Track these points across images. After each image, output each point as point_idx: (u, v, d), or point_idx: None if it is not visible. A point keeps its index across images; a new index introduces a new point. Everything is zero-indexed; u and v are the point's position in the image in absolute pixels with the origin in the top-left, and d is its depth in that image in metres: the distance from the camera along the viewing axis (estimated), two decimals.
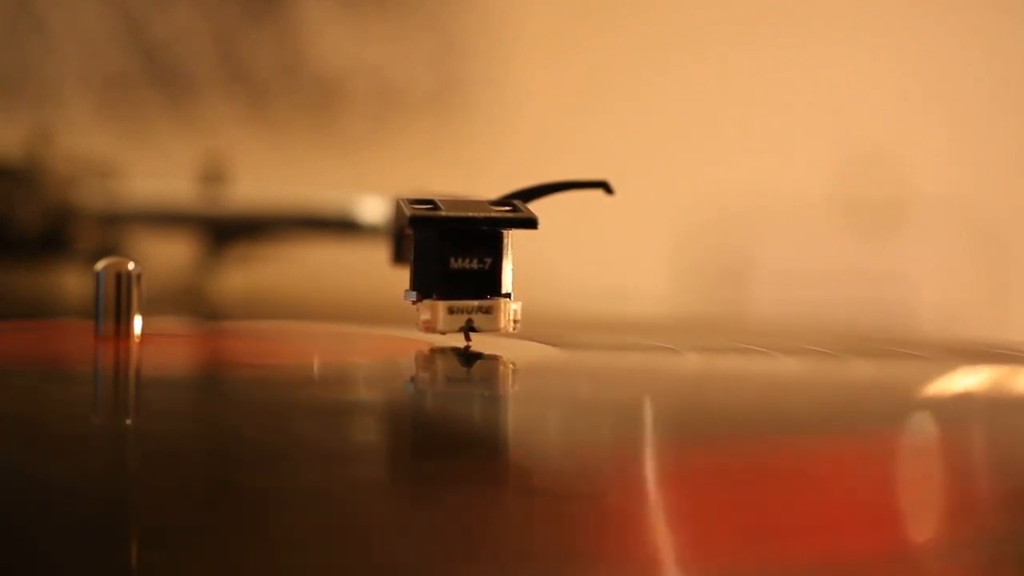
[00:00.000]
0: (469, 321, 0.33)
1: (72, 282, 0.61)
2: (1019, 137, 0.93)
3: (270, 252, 0.63)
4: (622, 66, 0.95)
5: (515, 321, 0.33)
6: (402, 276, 0.34)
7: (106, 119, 0.96)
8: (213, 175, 0.63)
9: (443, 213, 0.32)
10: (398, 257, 0.40)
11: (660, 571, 0.18)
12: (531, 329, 0.34)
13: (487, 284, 0.33)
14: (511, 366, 0.34)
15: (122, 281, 0.34)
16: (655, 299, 0.87)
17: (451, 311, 0.32)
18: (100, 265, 0.34)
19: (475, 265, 0.33)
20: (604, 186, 0.35)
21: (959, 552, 0.19)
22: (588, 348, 0.39)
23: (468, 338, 0.33)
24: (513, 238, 0.33)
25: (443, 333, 0.33)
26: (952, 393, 0.33)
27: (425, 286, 0.33)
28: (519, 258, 0.33)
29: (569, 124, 0.94)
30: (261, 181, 0.64)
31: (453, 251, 0.32)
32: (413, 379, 0.34)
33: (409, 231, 0.33)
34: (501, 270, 0.33)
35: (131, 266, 0.34)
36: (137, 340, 0.34)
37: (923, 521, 0.21)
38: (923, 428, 0.28)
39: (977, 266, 0.91)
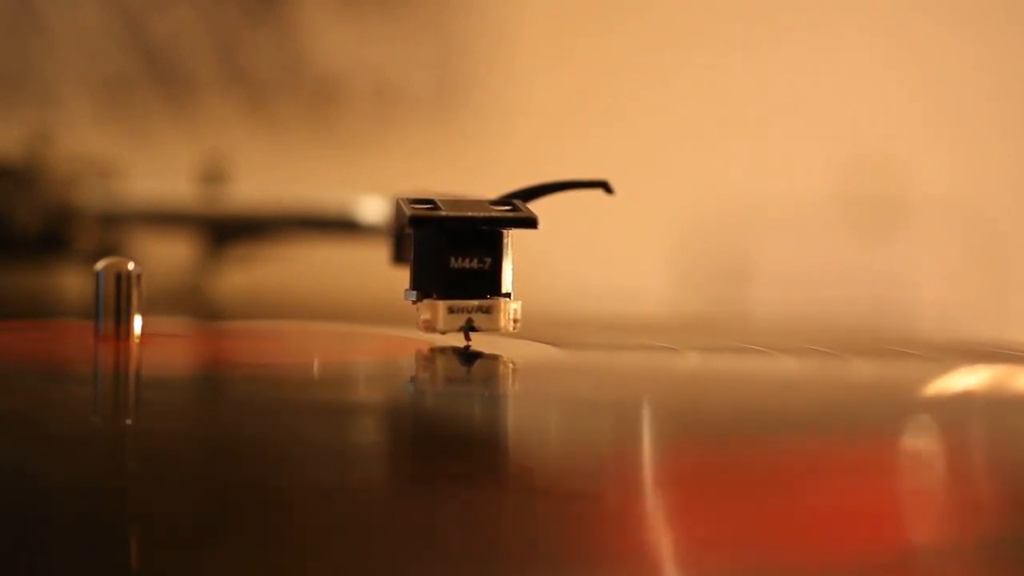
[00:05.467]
0: (469, 320, 0.33)
1: (72, 282, 0.61)
2: (1019, 137, 0.93)
3: (270, 252, 0.63)
4: (622, 67, 0.95)
5: (515, 321, 0.33)
6: (402, 276, 0.34)
7: (106, 119, 0.96)
8: (213, 175, 0.63)
9: (443, 213, 0.32)
10: (398, 257, 0.40)
11: (660, 571, 0.18)
12: (531, 329, 0.34)
13: (487, 284, 0.33)
14: (511, 366, 0.34)
15: (122, 281, 0.34)
16: (655, 299, 0.87)
17: (451, 310, 0.32)
18: (100, 265, 0.34)
19: (475, 265, 0.33)
20: (604, 186, 0.34)
21: (959, 552, 0.19)
22: (588, 348, 0.39)
23: (468, 338, 0.33)
24: (513, 238, 0.33)
25: (443, 333, 0.33)
26: (952, 393, 0.33)
27: (425, 286, 0.33)
28: (519, 258, 0.33)
29: (569, 124, 0.94)
30: (261, 181, 0.64)
31: (453, 251, 0.32)
32: (413, 379, 0.34)
33: (409, 231, 0.33)
34: (501, 270, 0.33)
35: (131, 266, 0.34)
36: (137, 340, 0.34)
37: (923, 521, 0.21)
38: (923, 428, 0.28)
39: (977, 266, 0.91)
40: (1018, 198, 0.93)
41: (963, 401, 0.32)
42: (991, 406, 0.31)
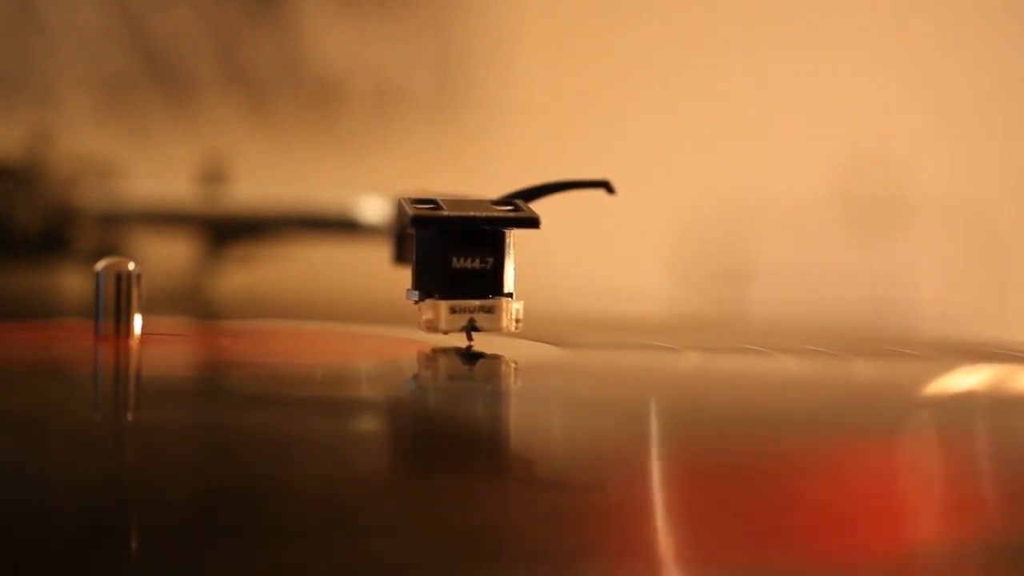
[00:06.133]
0: (471, 320, 0.33)
1: (72, 282, 0.61)
2: (1019, 137, 0.93)
3: (270, 252, 0.63)
4: (623, 67, 0.95)
5: (517, 320, 0.33)
6: (403, 276, 0.34)
7: (106, 119, 0.96)
8: (213, 175, 0.63)
9: (445, 213, 0.32)
10: (399, 257, 0.40)
11: (661, 570, 0.18)
12: (533, 328, 0.34)
13: (489, 283, 0.33)
14: (513, 365, 0.34)
15: (122, 281, 0.34)
16: (656, 299, 0.87)
17: (453, 310, 0.32)
18: (100, 265, 0.34)
19: (477, 264, 0.33)
20: (605, 185, 0.34)
21: (959, 552, 0.19)
22: (590, 347, 0.39)
23: (470, 337, 0.33)
24: (515, 237, 0.33)
25: (445, 333, 0.33)
26: (952, 393, 0.33)
27: (427, 286, 0.33)
28: (521, 258, 0.33)
29: (570, 124, 0.94)
30: (261, 181, 0.64)
31: (455, 251, 0.32)
32: (415, 378, 0.34)
33: (411, 231, 0.33)
34: (503, 269, 0.33)
35: (131, 266, 0.34)
36: (137, 340, 0.34)
37: (923, 521, 0.21)
38: (923, 428, 0.28)
39: (977, 266, 0.91)
40: (1018, 198, 0.93)
41: (963, 401, 0.32)
42: (991, 406, 0.31)
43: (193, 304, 0.57)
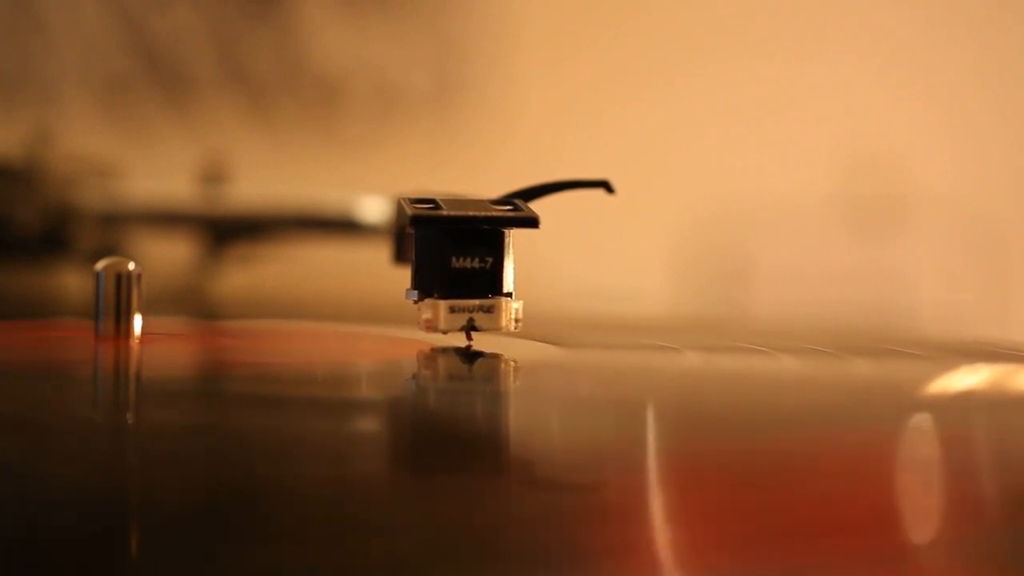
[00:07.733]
0: (470, 320, 0.33)
1: (72, 282, 0.61)
2: (1019, 137, 0.93)
3: (270, 252, 0.63)
4: (622, 66, 0.95)
5: (516, 320, 0.33)
6: (403, 275, 0.34)
7: (106, 119, 0.96)
8: (213, 175, 0.63)
9: (444, 212, 0.32)
10: (399, 256, 0.40)
11: (660, 571, 0.18)
12: (532, 328, 0.34)
13: (488, 283, 0.33)
14: (512, 365, 0.34)
15: (122, 281, 0.34)
16: (655, 299, 0.87)
17: (452, 310, 0.32)
18: (100, 265, 0.34)
19: (476, 264, 0.33)
20: (605, 185, 0.35)
21: (959, 552, 0.19)
22: (589, 347, 0.39)
23: (469, 337, 0.33)
24: (514, 237, 0.33)
25: (444, 332, 0.33)
26: (952, 393, 0.33)
27: (426, 285, 0.33)
28: (520, 257, 0.33)
29: (570, 124, 0.94)
30: (261, 181, 0.64)
31: (454, 250, 0.32)
32: (415, 378, 0.34)
33: (410, 230, 0.33)
34: (502, 269, 0.33)
35: (131, 266, 0.34)
36: (137, 340, 0.34)
37: (923, 521, 0.21)
38: (923, 428, 0.28)
39: (977, 266, 0.91)
40: (1018, 198, 0.93)
41: (963, 401, 0.32)
42: (991, 406, 0.31)
43: (193, 304, 0.57)
